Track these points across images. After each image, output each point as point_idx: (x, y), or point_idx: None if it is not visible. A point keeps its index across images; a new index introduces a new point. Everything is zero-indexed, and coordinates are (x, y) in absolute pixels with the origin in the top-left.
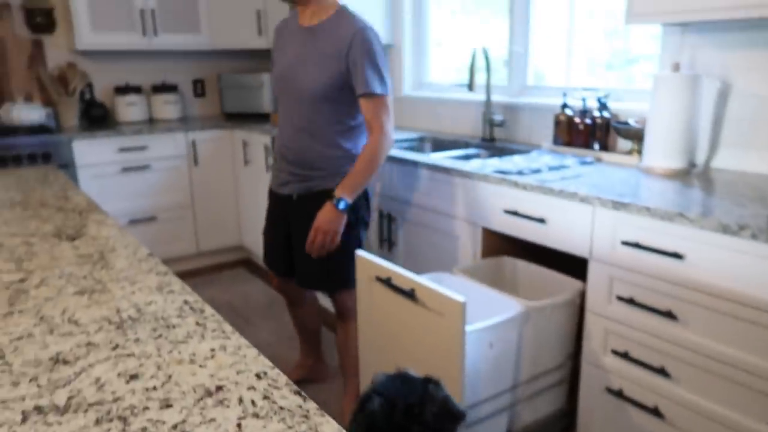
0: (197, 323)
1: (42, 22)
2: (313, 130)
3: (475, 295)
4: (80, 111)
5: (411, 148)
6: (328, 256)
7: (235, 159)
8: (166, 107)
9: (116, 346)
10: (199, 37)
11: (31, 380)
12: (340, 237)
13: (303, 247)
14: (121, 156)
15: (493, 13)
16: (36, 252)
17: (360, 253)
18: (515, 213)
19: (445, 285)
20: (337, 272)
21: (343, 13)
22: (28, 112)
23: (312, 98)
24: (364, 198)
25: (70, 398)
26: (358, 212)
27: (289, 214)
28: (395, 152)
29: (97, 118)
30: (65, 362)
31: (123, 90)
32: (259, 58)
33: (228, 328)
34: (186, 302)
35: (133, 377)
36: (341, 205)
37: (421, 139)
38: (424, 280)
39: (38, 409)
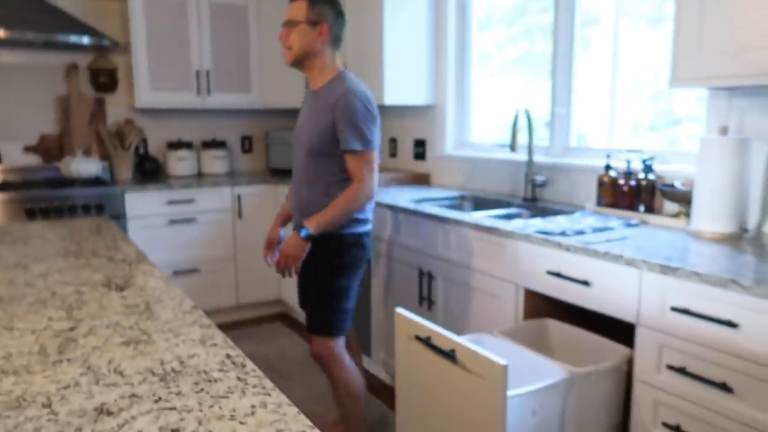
0: (238, 378)
1: (105, 81)
2: (311, 181)
3: (517, 359)
4: (134, 164)
5: (452, 207)
6: (312, 300)
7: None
8: (215, 162)
9: (159, 399)
10: (249, 97)
11: (76, 430)
12: (300, 263)
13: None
14: (169, 208)
15: (535, 74)
16: (86, 301)
17: (400, 311)
18: (558, 274)
19: (485, 347)
20: (314, 316)
21: (340, 76)
22: (86, 165)
23: (309, 152)
24: (339, 246)
25: None
26: (330, 259)
27: None
28: (436, 210)
29: (150, 171)
30: (109, 413)
31: (175, 145)
32: None
33: (269, 384)
34: (228, 356)
35: (175, 431)
36: (302, 233)
37: (462, 198)
38: (465, 341)
39: None
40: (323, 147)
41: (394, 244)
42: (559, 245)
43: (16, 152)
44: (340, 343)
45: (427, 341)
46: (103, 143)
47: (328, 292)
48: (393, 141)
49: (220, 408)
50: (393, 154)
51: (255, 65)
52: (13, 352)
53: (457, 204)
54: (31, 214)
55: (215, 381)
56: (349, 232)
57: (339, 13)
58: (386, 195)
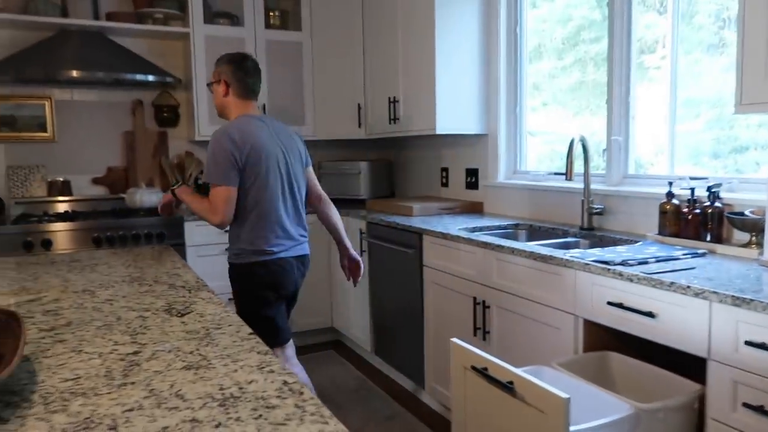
0: (296, 405)
1: (168, 116)
2: None
3: (578, 393)
4: None
5: (506, 235)
6: None
7: (331, 242)
8: None
9: (218, 425)
10: (303, 129)
11: None
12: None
13: None
14: (225, 237)
15: (587, 103)
16: (149, 326)
17: (455, 341)
18: (620, 305)
19: (544, 379)
20: None
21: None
22: (148, 196)
23: None
24: (233, 275)
25: None
26: (238, 285)
27: None
28: (489, 238)
29: None
30: None
31: None
32: (358, 147)
33: (327, 412)
34: (285, 383)
35: None
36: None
37: (516, 226)
38: (523, 373)
39: None
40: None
41: (447, 272)
42: (620, 275)
43: (85, 184)
44: (278, 353)
45: (483, 372)
46: (165, 175)
47: (243, 316)
48: (444, 170)
49: None
50: (444, 184)
51: (309, 99)
52: (82, 374)
53: (512, 233)
54: (98, 242)
55: (273, 408)
56: (237, 263)
57: (239, 67)
58: (438, 224)
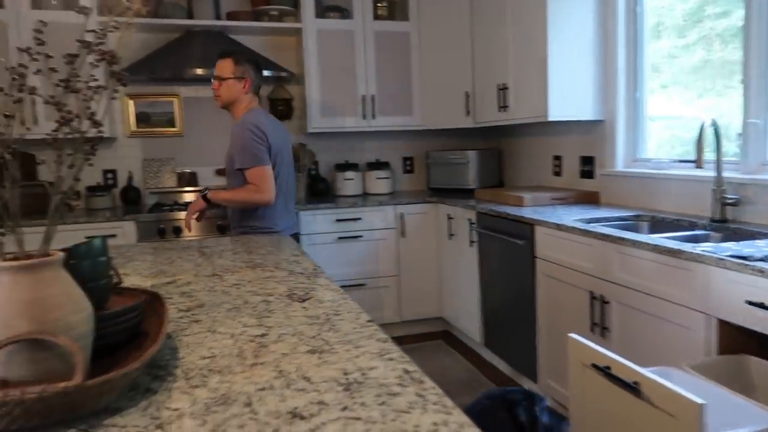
0: (418, 394)
1: (282, 109)
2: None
3: (712, 398)
4: (307, 185)
5: (626, 227)
6: None
7: (440, 232)
8: (379, 182)
9: (344, 408)
10: (411, 119)
11: (273, 431)
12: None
13: None
14: (338, 226)
15: (712, 84)
16: (273, 310)
17: (574, 337)
18: (762, 305)
19: (673, 381)
20: None
21: (247, 113)
22: None
23: (227, 171)
24: None
25: None
26: None
27: None
28: (608, 230)
29: (320, 191)
30: (301, 418)
31: (343, 167)
32: (466, 136)
33: (449, 402)
34: (406, 371)
35: None
36: (203, 193)
37: (637, 218)
38: (651, 374)
39: None
40: (232, 168)
41: (561, 265)
42: (762, 272)
43: (210, 175)
44: None
45: (605, 371)
46: None
47: None
48: (557, 159)
49: (403, 423)
50: (557, 173)
51: (416, 88)
52: (217, 353)
53: (632, 224)
54: (221, 230)
55: (395, 395)
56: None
57: (257, 68)
58: (551, 214)
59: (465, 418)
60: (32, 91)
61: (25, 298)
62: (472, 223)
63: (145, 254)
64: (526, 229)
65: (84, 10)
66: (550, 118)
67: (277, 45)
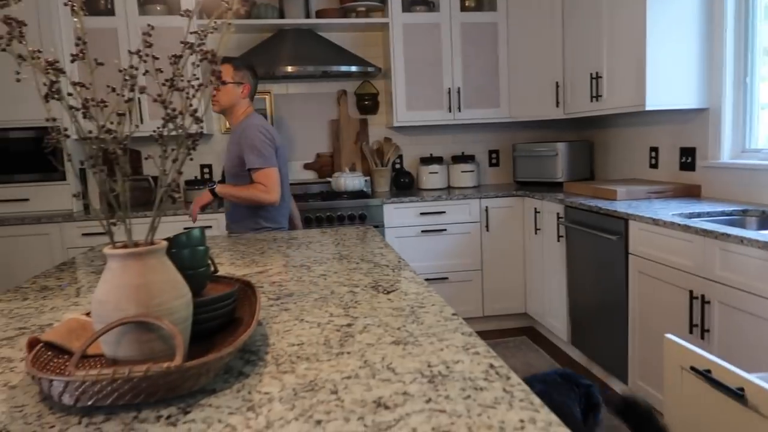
0: (504, 390)
1: (368, 104)
2: None
3: None
4: (391, 179)
5: (731, 223)
6: None
7: (526, 226)
8: (463, 176)
9: (429, 400)
10: (498, 111)
11: (358, 419)
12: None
13: None
14: (421, 219)
15: None
16: (359, 301)
17: (671, 338)
18: None
19: None
20: None
21: (248, 117)
22: (351, 180)
23: (228, 173)
24: None
25: None
26: None
27: None
28: (711, 226)
29: (404, 185)
30: (386, 407)
31: (427, 160)
32: (554, 127)
33: (536, 400)
34: (492, 366)
35: None
36: (210, 186)
37: (744, 212)
38: (759, 380)
39: None
40: (236, 169)
41: (657, 262)
42: None
43: (298, 169)
44: None
45: (706, 375)
46: (365, 160)
47: None
48: (653, 150)
49: (489, 418)
50: (653, 165)
51: (503, 80)
52: (305, 341)
53: (738, 220)
54: (308, 222)
55: (481, 390)
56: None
57: (254, 74)
58: (647, 209)
59: (553, 417)
60: (143, 90)
61: (133, 283)
62: (560, 218)
63: (237, 245)
64: (619, 224)
65: (187, 13)
66: (648, 107)
67: (364, 41)
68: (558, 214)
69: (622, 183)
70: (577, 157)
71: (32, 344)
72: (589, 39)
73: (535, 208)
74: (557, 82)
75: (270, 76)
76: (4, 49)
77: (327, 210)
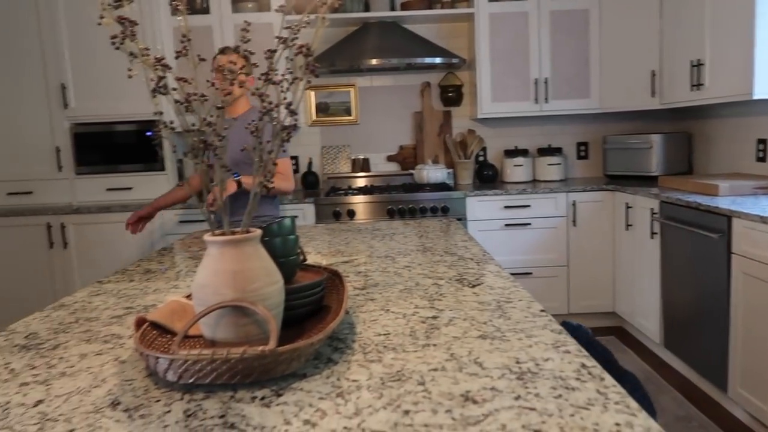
0: (598, 391)
1: (452, 96)
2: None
3: None
4: (474, 171)
5: None
6: None
7: (616, 222)
8: (550, 169)
9: (518, 397)
10: (587, 102)
11: (446, 411)
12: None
13: None
14: (505, 213)
15: None
16: (444, 294)
17: None
18: None
19: None
20: None
21: (254, 108)
22: (434, 172)
23: (237, 163)
24: None
25: None
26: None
27: None
28: None
29: (488, 177)
30: (474, 402)
31: (512, 153)
32: (648, 118)
33: (633, 404)
34: (584, 365)
35: None
36: (234, 176)
37: None
38: None
39: None
40: (249, 159)
41: (764, 263)
42: None
43: (381, 161)
44: None
45: None
46: (448, 152)
47: None
48: (761, 142)
49: (582, 419)
50: (761, 158)
51: (594, 69)
52: (391, 331)
53: None
54: (391, 214)
55: (573, 389)
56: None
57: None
58: (753, 205)
59: (652, 422)
60: (242, 84)
61: (230, 269)
62: (654, 213)
63: (323, 234)
64: (721, 221)
65: (282, 9)
66: (756, 96)
67: (449, 32)
68: (652, 209)
69: (724, 177)
70: (674, 150)
71: (139, 323)
72: (691, 24)
73: (627, 203)
74: (653, 71)
75: (355, 69)
76: (118, 48)
77: (409, 202)
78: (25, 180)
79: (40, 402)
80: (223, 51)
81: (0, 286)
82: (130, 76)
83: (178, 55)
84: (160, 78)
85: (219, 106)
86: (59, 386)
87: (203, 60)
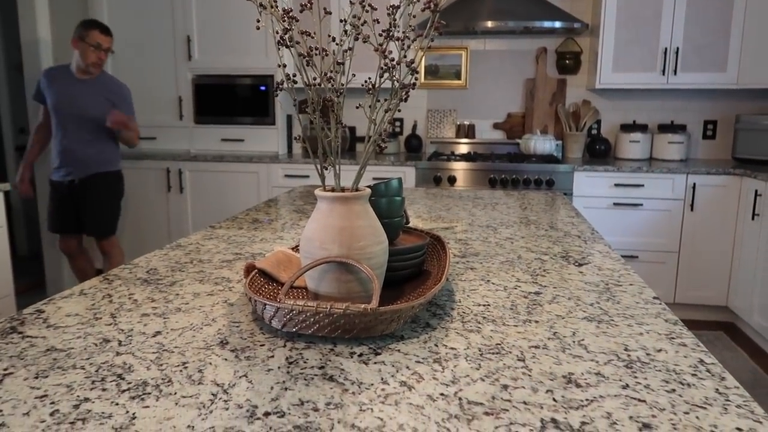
0: (717, 391)
1: (569, 63)
2: (87, 140)
3: None
4: (585, 145)
5: None
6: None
7: (741, 210)
8: (669, 147)
9: (626, 386)
10: (722, 76)
11: (547, 391)
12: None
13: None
14: (615, 191)
15: None
16: (547, 269)
17: None
18: None
19: None
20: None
21: (105, 73)
22: (542, 143)
23: (91, 120)
24: (119, 178)
25: (583, 423)
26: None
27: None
28: None
29: (599, 152)
30: (577, 385)
31: (628, 127)
32: None
33: (759, 410)
34: (702, 362)
35: (646, 426)
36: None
37: None
38: None
39: (554, 422)
40: (104, 115)
41: None
42: None
43: (487, 128)
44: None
45: None
46: (559, 123)
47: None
48: None
49: (697, 419)
50: None
51: (735, 40)
52: (491, 302)
53: None
54: (492, 183)
55: (688, 386)
56: (118, 169)
57: None
58: None
59: None
60: (366, 39)
61: (338, 225)
62: None
63: (425, 199)
64: None
65: None
66: None
67: None
68: None
69: None
70: None
71: (248, 269)
72: None
73: (756, 191)
74: None
75: (468, 31)
76: None
77: (513, 172)
78: (151, 126)
79: (158, 333)
80: (106, 31)
81: (126, 222)
82: (258, 27)
83: (303, 8)
84: (286, 30)
85: (339, 62)
86: (175, 320)
87: (329, 13)
